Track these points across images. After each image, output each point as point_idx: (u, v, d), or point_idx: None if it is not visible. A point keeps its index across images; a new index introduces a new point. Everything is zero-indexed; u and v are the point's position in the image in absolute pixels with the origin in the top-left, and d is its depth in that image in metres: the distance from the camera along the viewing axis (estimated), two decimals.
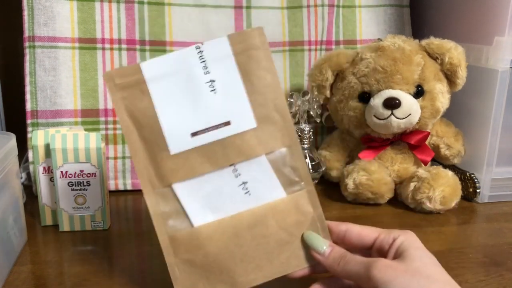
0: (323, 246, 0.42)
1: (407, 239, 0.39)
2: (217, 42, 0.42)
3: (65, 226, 0.58)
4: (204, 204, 0.43)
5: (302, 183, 0.44)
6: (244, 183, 0.43)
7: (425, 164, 0.69)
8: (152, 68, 0.42)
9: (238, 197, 0.43)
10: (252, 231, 0.43)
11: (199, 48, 0.42)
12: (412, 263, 0.36)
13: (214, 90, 0.42)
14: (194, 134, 0.42)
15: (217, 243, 0.42)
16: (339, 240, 0.43)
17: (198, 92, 0.42)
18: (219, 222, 0.43)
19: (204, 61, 0.42)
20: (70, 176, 0.56)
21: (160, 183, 0.43)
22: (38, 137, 0.56)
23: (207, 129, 0.42)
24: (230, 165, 0.43)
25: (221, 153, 0.42)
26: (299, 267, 0.43)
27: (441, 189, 0.63)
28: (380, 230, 0.42)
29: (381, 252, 0.41)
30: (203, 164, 0.42)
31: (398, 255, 0.38)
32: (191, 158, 0.42)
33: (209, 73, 0.42)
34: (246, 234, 0.43)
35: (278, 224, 0.43)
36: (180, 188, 0.43)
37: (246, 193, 0.43)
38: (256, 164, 0.43)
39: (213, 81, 0.42)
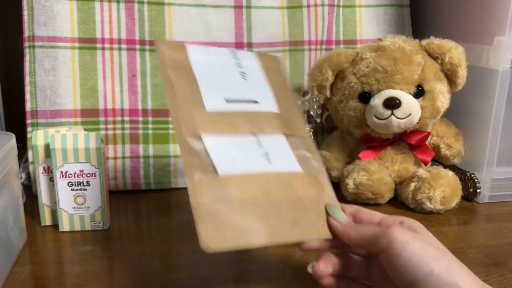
0: (344, 217, 0.43)
1: (415, 222, 0.41)
2: (247, 53, 0.54)
3: (64, 226, 0.58)
4: (232, 159, 0.43)
5: (317, 166, 0.47)
6: (266, 153, 0.45)
7: (426, 164, 0.69)
8: (196, 49, 0.49)
9: (263, 163, 0.44)
10: (279, 191, 0.43)
11: (233, 51, 0.52)
12: (425, 237, 0.38)
13: (245, 79, 0.50)
14: (228, 101, 0.47)
15: (245, 195, 0.42)
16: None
17: (233, 74, 0.49)
18: (247, 175, 0.43)
19: (238, 59, 0.51)
20: (70, 176, 0.56)
21: (194, 129, 0.44)
22: (38, 137, 0.56)
23: (238, 100, 0.47)
24: (254, 135, 0.46)
25: (248, 123, 0.46)
26: (316, 237, 0.43)
27: (441, 189, 0.63)
28: (385, 214, 0.43)
29: None
30: (233, 128, 0.45)
31: None
32: (222, 119, 0.45)
33: (241, 67, 0.50)
34: (274, 193, 0.43)
35: (303, 190, 0.44)
36: (210, 140, 0.44)
37: (268, 161, 0.44)
38: (276, 140, 0.47)
39: (245, 73, 0.50)
